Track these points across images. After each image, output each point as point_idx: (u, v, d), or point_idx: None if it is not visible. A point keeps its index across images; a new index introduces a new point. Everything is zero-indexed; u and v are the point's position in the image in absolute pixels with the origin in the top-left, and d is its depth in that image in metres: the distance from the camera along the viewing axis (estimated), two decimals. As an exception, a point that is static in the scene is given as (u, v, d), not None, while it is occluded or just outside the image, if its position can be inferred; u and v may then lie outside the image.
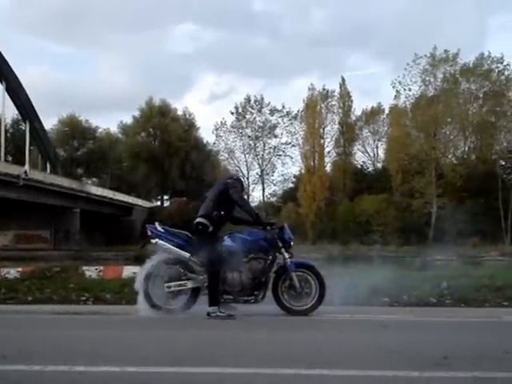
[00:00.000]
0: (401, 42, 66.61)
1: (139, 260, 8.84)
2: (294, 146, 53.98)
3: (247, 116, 54.68)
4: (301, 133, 52.64)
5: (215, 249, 5.86)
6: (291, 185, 55.84)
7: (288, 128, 54.06)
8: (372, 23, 72.57)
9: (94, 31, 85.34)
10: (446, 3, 68.44)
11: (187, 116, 61.63)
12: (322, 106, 51.24)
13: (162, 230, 6.11)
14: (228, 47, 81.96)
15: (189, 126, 60.97)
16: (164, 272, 5.99)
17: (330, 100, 51.52)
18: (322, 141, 51.21)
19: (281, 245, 6.03)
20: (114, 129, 64.25)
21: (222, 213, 5.98)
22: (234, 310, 5.88)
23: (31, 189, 39.71)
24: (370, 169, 55.96)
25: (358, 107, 53.95)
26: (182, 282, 5.93)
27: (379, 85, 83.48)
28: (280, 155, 54.93)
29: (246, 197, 6.22)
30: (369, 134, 55.40)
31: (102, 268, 10.36)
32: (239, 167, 54.36)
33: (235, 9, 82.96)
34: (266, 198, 55.55)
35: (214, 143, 56.81)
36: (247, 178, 54.23)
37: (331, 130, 51.86)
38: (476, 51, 46.08)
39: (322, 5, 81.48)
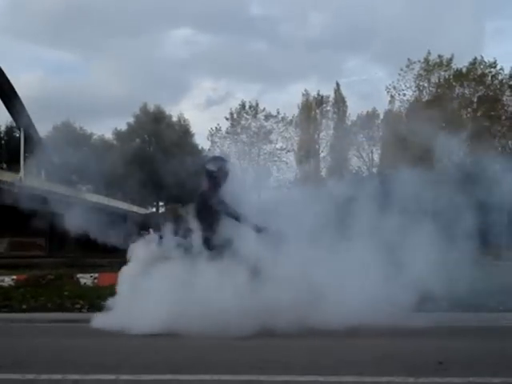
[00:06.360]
0: (400, 46, 66.71)
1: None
2: (289, 151, 54.05)
3: (242, 122, 54.73)
4: (296, 138, 52.76)
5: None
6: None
7: (283, 133, 54.14)
8: (370, 28, 72.38)
9: (88, 37, 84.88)
10: (444, 9, 68.60)
11: (182, 122, 61.71)
12: (317, 111, 51.36)
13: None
14: (225, 52, 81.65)
15: (184, 132, 60.96)
16: None
17: (324, 105, 51.69)
18: (316, 146, 51.29)
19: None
20: (108, 135, 64.23)
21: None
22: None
23: (26, 196, 39.52)
24: (366, 174, 56.00)
25: (357, 112, 53.90)
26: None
27: (378, 89, 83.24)
28: (275, 161, 54.99)
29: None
30: (364, 139, 55.48)
31: (96, 275, 10.33)
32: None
33: (232, 13, 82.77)
34: (261, 204, 55.44)
35: (209, 149, 56.79)
36: (243, 184, 54.14)
37: (326, 135, 52.00)
38: (471, 56, 46.04)
39: (320, 9, 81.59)
